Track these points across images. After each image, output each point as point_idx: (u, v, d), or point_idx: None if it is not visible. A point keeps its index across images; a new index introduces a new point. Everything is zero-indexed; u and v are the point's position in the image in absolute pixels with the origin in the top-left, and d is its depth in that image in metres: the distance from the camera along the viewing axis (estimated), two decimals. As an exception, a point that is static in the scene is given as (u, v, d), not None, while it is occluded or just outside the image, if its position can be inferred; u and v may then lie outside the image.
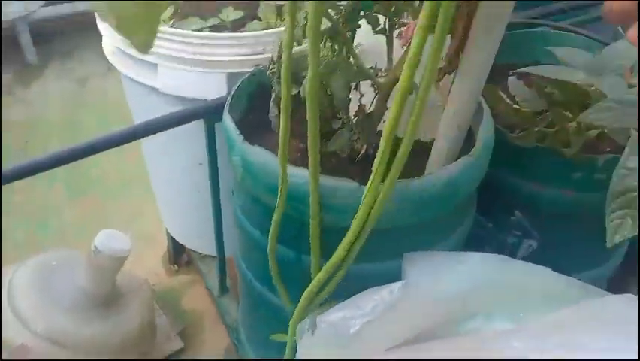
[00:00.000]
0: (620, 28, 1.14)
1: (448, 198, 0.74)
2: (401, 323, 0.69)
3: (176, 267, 1.67)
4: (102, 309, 1.27)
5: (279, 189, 0.71)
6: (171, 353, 1.42)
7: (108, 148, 0.94)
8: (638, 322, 0.60)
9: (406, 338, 0.70)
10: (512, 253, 1.01)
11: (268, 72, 0.75)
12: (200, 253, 1.39)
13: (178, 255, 1.65)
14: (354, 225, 0.68)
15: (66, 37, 2.70)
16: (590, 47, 0.97)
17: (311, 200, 0.68)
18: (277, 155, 0.70)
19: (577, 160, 0.82)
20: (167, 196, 1.32)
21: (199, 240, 1.30)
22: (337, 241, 0.73)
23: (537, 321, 0.73)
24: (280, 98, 0.67)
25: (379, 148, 0.65)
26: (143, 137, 0.97)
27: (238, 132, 0.74)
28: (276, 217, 0.74)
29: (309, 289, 0.71)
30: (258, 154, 0.71)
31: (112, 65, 1.08)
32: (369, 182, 0.67)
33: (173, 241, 1.60)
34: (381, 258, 0.77)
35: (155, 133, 0.95)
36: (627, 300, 0.73)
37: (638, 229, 0.59)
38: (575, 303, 0.74)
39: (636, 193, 0.57)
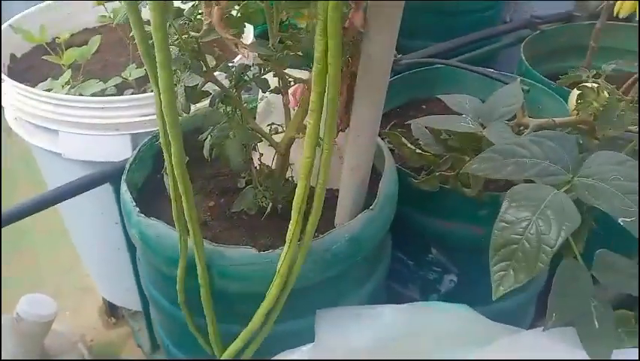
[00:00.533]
0: (522, 55, 1.18)
1: (354, 253, 0.74)
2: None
3: (113, 319, 1.62)
4: (31, 377, 1.22)
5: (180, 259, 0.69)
6: (111, 413, 1.38)
7: (20, 219, 0.92)
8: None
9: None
10: (435, 289, 1.02)
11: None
12: (130, 310, 1.36)
13: (114, 307, 1.60)
14: (272, 293, 0.67)
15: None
16: (485, 84, 1.00)
17: (198, 269, 0.66)
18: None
19: (480, 198, 0.83)
20: (89, 255, 1.29)
21: (126, 296, 1.26)
22: (249, 306, 0.71)
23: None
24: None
25: (290, 223, 0.64)
26: (53, 205, 0.94)
27: (134, 204, 0.72)
28: (179, 287, 0.72)
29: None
30: (154, 227, 0.70)
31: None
32: (284, 253, 0.66)
33: (108, 295, 1.55)
34: (293, 317, 0.76)
35: (64, 200, 0.93)
36: (537, 334, 0.75)
37: (521, 280, 0.60)
38: (491, 341, 0.76)
39: (516, 246, 0.58)
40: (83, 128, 0.94)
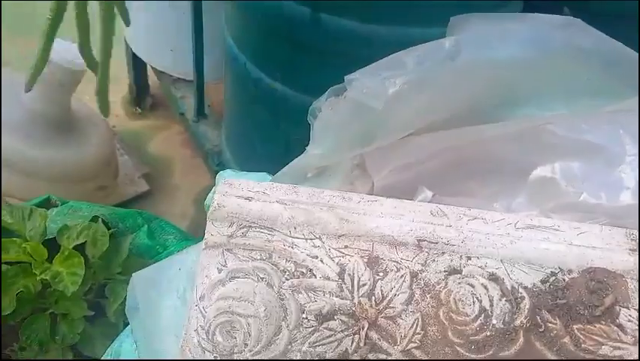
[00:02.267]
0: None
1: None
2: (446, 91, 0.54)
3: (139, 110, 1.49)
4: (55, 134, 1.10)
5: None
6: (136, 194, 1.28)
7: None
8: None
9: (444, 116, 0.55)
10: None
11: None
12: (172, 76, 1.21)
13: (142, 97, 1.47)
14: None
15: None
16: None
17: None
18: None
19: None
20: (134, 6, 1.10)
21: (171, 58, 1.11)
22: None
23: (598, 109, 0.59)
24: None
25: None
26: None
27: None
28: None
29: None
30: None
31: None
32: None
33: (136, 80, 1.40)
34: (424, 20, 0.59)
35: None
36: None
37: None
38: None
39: None
40: None
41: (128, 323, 0.50)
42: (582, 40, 0.55)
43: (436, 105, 0.52)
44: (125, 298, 0.47)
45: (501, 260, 0.45)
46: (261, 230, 0.47)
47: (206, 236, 0.46)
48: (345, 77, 0.49)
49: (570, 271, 0.45)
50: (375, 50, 0.55)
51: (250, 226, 0.47)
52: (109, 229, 0.67)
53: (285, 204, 0.48)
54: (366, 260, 0.46)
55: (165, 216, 1.29)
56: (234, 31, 0.70)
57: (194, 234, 1.23)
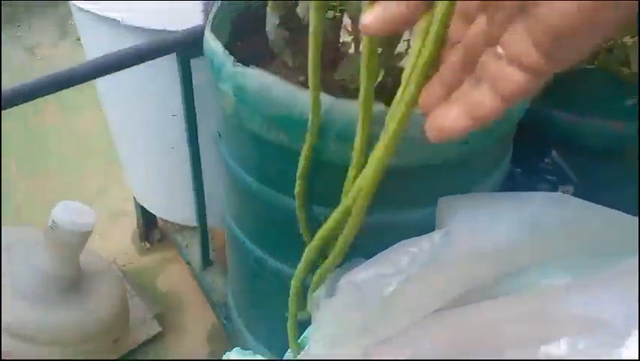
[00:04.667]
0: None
1: (491, 128, 0.60)
2: (443, 281, 0.55)
3: (147, 245, 1.50)
4: (67, 294, 1.10)
5: (310, 123, 0.54)
6: (148, 338, 1.26)
7: (61, 89, 0.76)
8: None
9: (446, 302, 0.56)
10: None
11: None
12: (176, 225, 1.23)
13: (150, 231, 1.48)
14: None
15: (14, 3, 2.46)
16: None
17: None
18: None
19: (631, 83, 0.69)
20: (134, 159, 1.14)
21: (175, 208, 1.13)
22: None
23: (598, 274, 0.60)
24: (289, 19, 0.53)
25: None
26: (102, 75, 0.78)
27: (227, 52, 0.58)
28: (304, 157, 0.56)
29: (308, 248, 0.56)
30: (256, 77, 0.55)
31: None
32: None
33: (144, 215, 1.42)
34: (409, 205, 0.62)
35: (117, 70, 0.77)
36: None
37: None
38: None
39: None
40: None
41: None
42: (573, 213, 0.56)
43: (435, 294, 0.52)
44: None
45: None
46: None
47: None
48: (342, 279, 0.51)
49: None
50: (366, 237, 0.57)
51: None
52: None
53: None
54: None
55: (178, 358, 1.28)
56: (232, 211, 0.72)
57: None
